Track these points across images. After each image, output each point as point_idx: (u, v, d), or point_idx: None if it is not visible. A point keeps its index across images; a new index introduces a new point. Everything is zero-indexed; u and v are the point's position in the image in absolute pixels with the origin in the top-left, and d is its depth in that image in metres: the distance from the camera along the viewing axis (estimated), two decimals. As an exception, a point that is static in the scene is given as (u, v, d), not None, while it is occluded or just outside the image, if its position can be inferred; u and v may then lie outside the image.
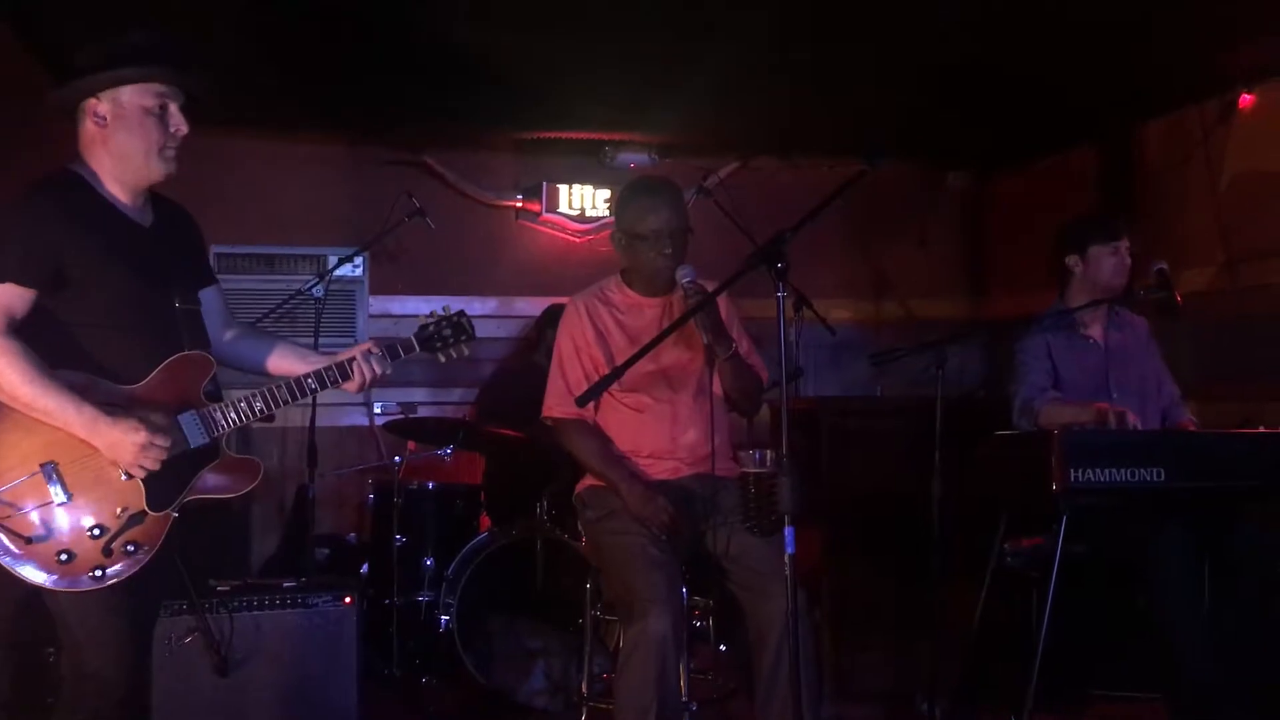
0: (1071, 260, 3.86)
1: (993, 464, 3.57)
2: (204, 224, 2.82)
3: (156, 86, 2.53)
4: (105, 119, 2.51)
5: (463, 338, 2.83)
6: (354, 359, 2.69)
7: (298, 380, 2.65)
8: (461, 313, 2.85)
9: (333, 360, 2.71)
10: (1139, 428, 3.46)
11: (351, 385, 2.71)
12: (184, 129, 2.56)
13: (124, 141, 2.51)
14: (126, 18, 3.79)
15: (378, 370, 2.70)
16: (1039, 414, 3.64)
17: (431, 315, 2.85)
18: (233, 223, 5.47)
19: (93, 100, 2.51)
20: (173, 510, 2.50)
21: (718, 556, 3.18)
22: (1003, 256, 6.44)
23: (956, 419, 3.66)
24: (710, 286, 3.12)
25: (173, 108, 2.55)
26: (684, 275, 3.15)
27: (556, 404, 3.34)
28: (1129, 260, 3.81)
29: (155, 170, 2.55)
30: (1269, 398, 4.43)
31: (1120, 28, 4.11)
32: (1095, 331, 3.88)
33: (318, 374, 2.67)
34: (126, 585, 2.43)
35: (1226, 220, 4.84)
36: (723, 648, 3.99)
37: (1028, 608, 3.61)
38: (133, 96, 2.51)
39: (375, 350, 2.71)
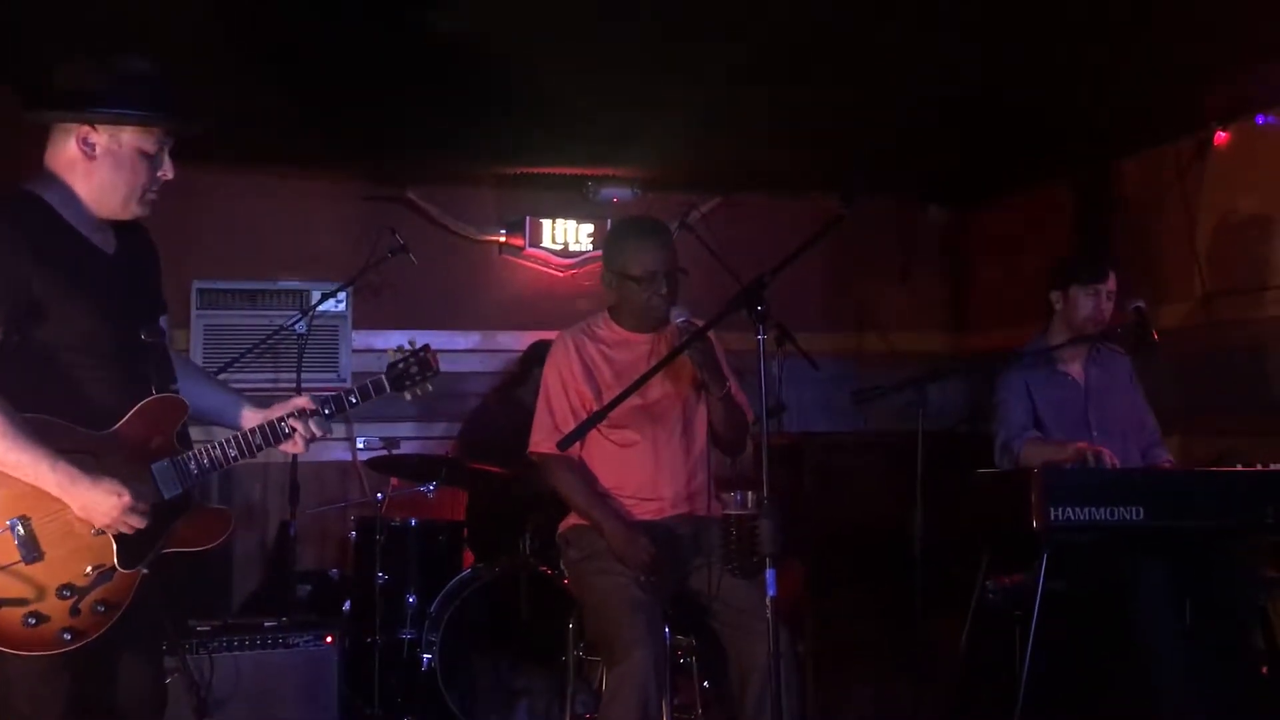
0: (1055, 296, 3.91)
1: (974, 501, 3.60)
2: (186, 260, 2.79)
3: (159, 131, 2.41)
4: (95, 150, 2.36)
5: (428, 374, 2.72)
6: (289, 417, 2.54)
7: (253, 431, 2.52)
8: (426, 347, 2.75)
9: (266, 420, 2.56)
10: (1116, 466, 3.49)
11: (293, 445, 2.56)
12: (170, 175, 2.45)
13: (108, 178, 2.37)
14: (102, 48, 3.86)
15: (317, 432, 2.57)
16: (1018, 454, 3.68)
17: (399, 350, 2.74)
18: (215, 258, 5.46)
19: (86, 128, 2.35)
20: (143, 567, 2.36)
21: (701, 595, 3.18)
22: (983, 290, 6.49)
23: (938, 453, 3.69)
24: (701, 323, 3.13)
25: (165, 152, 2.44)
26: (679, 317, 3.16)
27: (542, 439, 3.34)
28: (1108, 304, 3.85)
29: (131, 211, 2.43)
30: (1246, 432, 4.47)
31: (1096, 66, 4.17)
32: (1075, 369, 3.92)
33: (262, 428, 2.53)
34: (87, 646, 2.29)
35: (1203, 256, 4.89)
36: (706, 685, 3.98)
37: (1011, 643, 3.62)
38: (133, 138, 2.38)
39: (310, 408, 2.57)
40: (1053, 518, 3.23)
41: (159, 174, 2.44)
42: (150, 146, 2.40)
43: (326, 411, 2.61)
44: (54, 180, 2.38)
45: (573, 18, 3.71)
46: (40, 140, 2.44)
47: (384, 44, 3.92)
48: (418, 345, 2.76)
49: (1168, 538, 3.38)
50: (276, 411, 2.58)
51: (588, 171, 5.99)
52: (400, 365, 2.72)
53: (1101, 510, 3.25)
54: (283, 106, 4.65)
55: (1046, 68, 4.17)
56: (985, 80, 4.31)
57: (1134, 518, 3.26)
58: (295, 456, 4.54)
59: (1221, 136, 4.82)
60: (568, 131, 5.12)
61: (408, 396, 2.74)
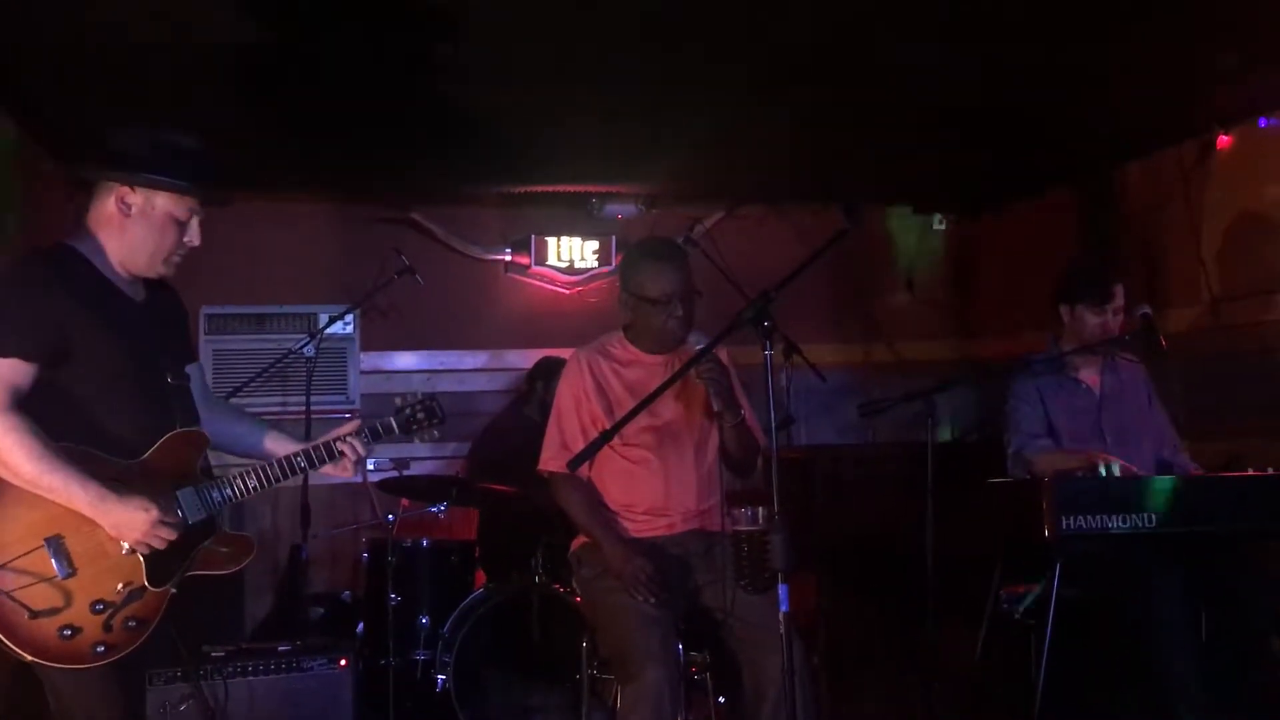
0: (1063, 310, 3.90)
1: (986, 511, 3.59)
2: (193, 285, 2.86)
3: (192, 201, 2.59)
4: (131, 210, 2.55)
5: (434, 420, 2.89)
6: (341, 439, 2.73)
7: (288, 459, 2.69)
8: (432, 396, 2.91)
9: (321, 440, 2.75)
10: (1131, 473, 3.48)
11: (342, 469, 2.75)
12: (198, 242, 2.63)
13: (139, 237, 2.56)
14: (116, 87, 3.90)
15: (361, 451, 2.75)
16: (1031, 462, 3.66)
17: (405, 397, 2.90)
18: (222, 283, 5.49)
19: (125, 188, 2.54)
20: (171, 585, 2.51)
21: (713, 611, 3.19)
22: (990, 299, 6.49)
23: (948, 463, 3.68)
24: (718, 352, 3.14)
25: (195, 221, 2.61)
26: (698, 343, 3.18)
27: (552, 457, 3.35)
28: (1117, 320, 3.81)
29: (156, 270, 2.61)
30: (1256, 435, 4.46)
31: (1098, 71, 4.18)
32: (1089, 376, 3.90)
33: (306, 453, 2.72)
34: (123, 658, 2.43)
35: (1209, 259, 4.88)
36: (720, 700, 3.97)
37: (1024, 652, 3.61)
38: (167, 203, 2.56)
39: (358, 431, 2.77)
40: (1065, 526, 3.22)
41: (186, 239, 2.61)
42: (182, 214, 2.58)
43: (339, 450, 2.76)
44: (90, 235, 2.57)
45: (575, 35, 3.73)
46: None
47: (387, 67, 3.94)
48: (422, 392, 2.94)
49: (1180, 544, 3.37)
50: (328, 436, 2.76)
51: (592, 189, 6.00)
52: (407, 412, 2.88)
53: (1113, 518, 3.24)
54: (286, 131, 4.68)
55: (1049, 73, 4.17)
56: (987, 88, 4.31)
57: (1146, 525, 3.25)
58: (306, 480, 4.61)
59: (1224, 140, 4.82)
60: (571, 149, 5.14)
61: (416, 441, 2.91)
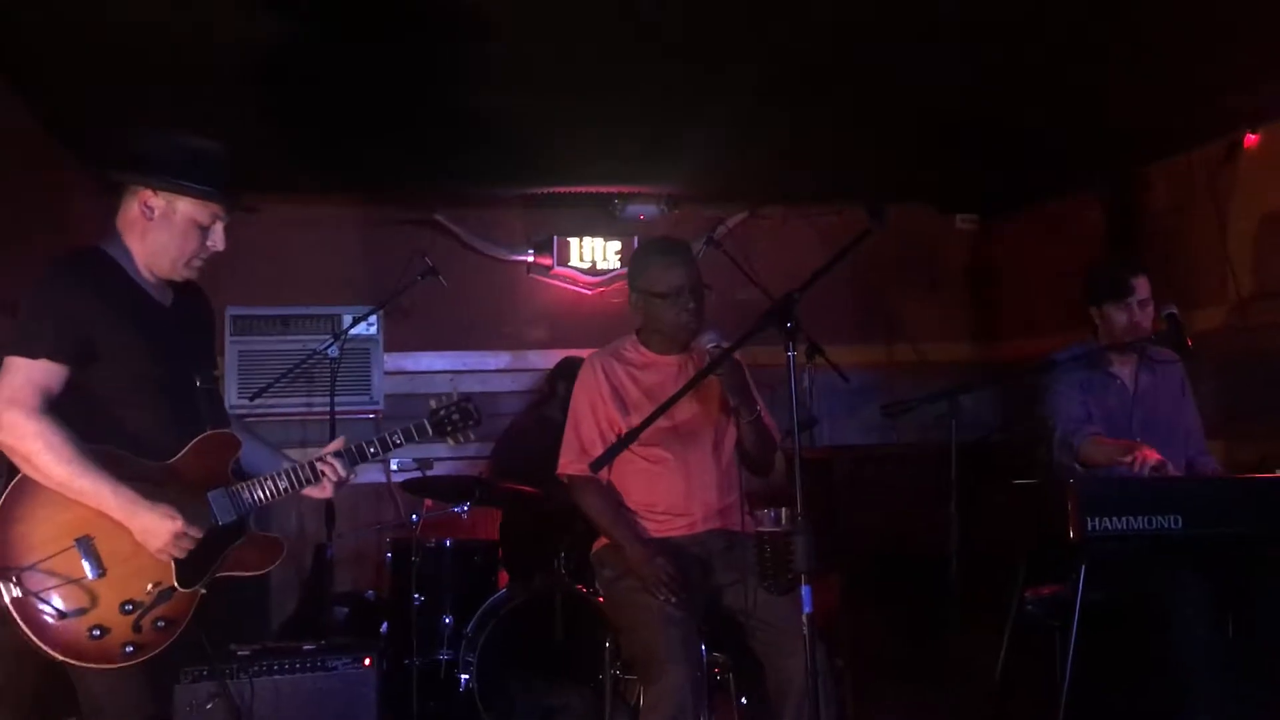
0: (1093, 312, 3.89)
1: (1010, 512, 3.57)
2: (218, 286, 2.89)
3: (215, 206, 2.61)
4: (153, 213, 2.57)
5: (470, 422, 2.90)
6: (322, 459, 2.72)
7: (310, 464, 2.71)
8: (468, 398, 2.91)
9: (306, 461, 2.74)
10: (1166, 471, 3.46)
11: (321, 490, 2.73)
12: (221, 247, 2.64)
13: (162, 240, 2.58)
14: (139, 88, 3.93)
15: (342, 473, 2.73)
16: (1078, 450, 3.64)
17: (440, 399, 2.90)
18: (247, 285, 5.53)
19: (149, 192, 2.57)
20: (200, 586, 2.53)
21: (735, 612, 3.19)
22: (1013, 300, 6.46)
23: (971, 464, 3.66)
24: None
25: (218, 226, 2.63)
26: (709, 341, 3.17)
27: (570, 461, 3.37)
28: (1145, 312, 3.80)
29: (179, 273, 2.64)
30: (1287, 436, 4.42)
31: (1121, 72, 4.15)
32: (1126, 373, 3.87)
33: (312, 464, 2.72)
34: (153, 658, 2.46)
35: (1235, 259, 4.84)
36: (743, 701, 3.97)
37: (1048, 656, 3.59)
38: (188, 208, 2.58)
39: (340, 452, 2.74)
40: (1090, 528, 3.19)
41: (208, 244, 2.63)
42: (204, 218, 2.60)
43: (371, 451, 2.77)
44: (118, 238, 2.61)
45: (597, 39, 3.73)
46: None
47: (411, 70, 3.96)
48: (457, 393, 2.94)
49: (1207, 547, 3.33)
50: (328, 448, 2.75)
51: (614, 189, 6.01)
52: (441, 413, 2.88)
53: (1139, 519, 3.20)
54: (311, 134, 4.71)
55: (1073, 73, 4.15)
56: (1010, 90, 4.30)
57: (1172, 526, 3.22)
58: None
59: (1251, 139, 4.79)
60: (594, 150, 5.15)
61: (450, 442, 2.90)
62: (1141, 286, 3.81)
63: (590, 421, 3.35)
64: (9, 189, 4.05)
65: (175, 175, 2.55)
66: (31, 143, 4.37)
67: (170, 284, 2.67)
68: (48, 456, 2.37)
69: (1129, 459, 3.46)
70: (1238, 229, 4.87)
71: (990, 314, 6.63)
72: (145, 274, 2.60)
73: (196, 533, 2.47)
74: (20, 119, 4.23)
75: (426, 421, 2.86)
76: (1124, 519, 3.21)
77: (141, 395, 2.52)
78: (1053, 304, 5.74)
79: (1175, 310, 3.77)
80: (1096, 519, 3.19)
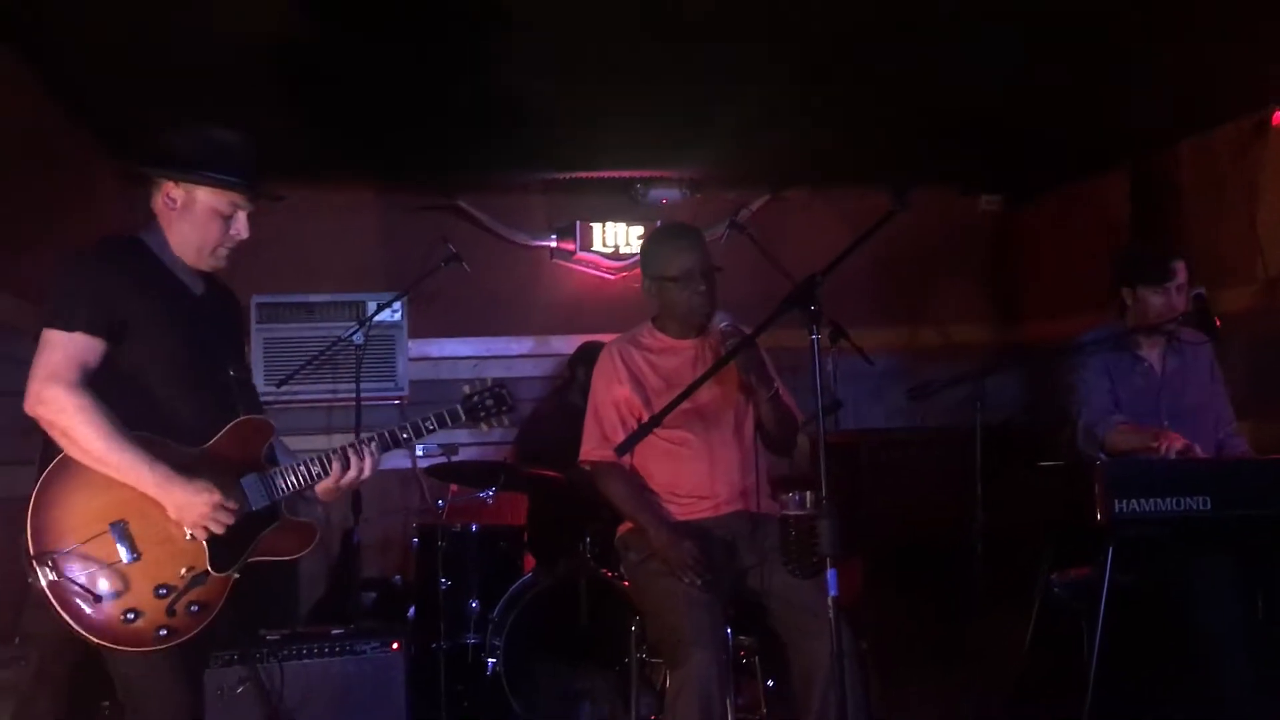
0: (1125, 292, 3.84)
1: (1036, 494, 3.55)
2: (243, 274, 2.91)
3: (235, 195, 2.63)
4: (176, 204, 2.61)
5: (504, 408, 2.91)
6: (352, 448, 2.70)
7: (342, 449, 2.70)
8: (501, 384, 2.93)
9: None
10: (1193, 455, 3.43)
11: (330, 485, 2.69)
12: (245, 234, 2.66)
13: (185, 230, 2.62)
14: (163, 79, 3.96)
15: (367, 469, 2.71)
16: (1104, 440, 3.62)
17: (473, 384, 2.91)
18: (272, 272, 5.55)
19: (170, 183, 2.61)
20: (234, 571, 2.54)
21: (760, 595, 3.20)
22: (1039, 281, 6.41)
23: (995, 446, 3.65)
24: (747, 329, 3.14)
25: (241, 215, 2.65)
26: (723, 321, 3.19)
27: (592, 448, 3.38)
28: (1181, 297, 3.75)
29: (205, 262, 2.67)
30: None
31: (1150, 48, 4.11)
32: (1154, 356, 3.84)
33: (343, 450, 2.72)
34: (186, 642, 2.48)
35: (1264, 238, 4.79)
36: (770, 683, 3.98)
37: (1074, 638, 3.58)
38: (207, 197, 2.61)
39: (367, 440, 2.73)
40: (1117, 510, 3.17)
41: (232, 233, 2.65)
42: (224, 207, 2.63)
43: (404, 436, 2.77)
44: (153, 227, 2.66)
45: (619, 25, 3.73)
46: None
47: (434, 57, 3.97)
48: (491, 380, 2.95)
49: (1235, 528, 3.31)
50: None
51: (636, 174, 6.01)
52: (475, 399, 2.90)
53: (1167, 501, 3.19)
54: (334, 121, 4.73)
55: (1100, 51, 4.11)
56: (1036, 67, 4.26)
57: (1201, 508, 3.20)
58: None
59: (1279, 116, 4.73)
60: (616, 135, 5.14)
61: (484, 428, 2.92)
62: (1181, 271, 3.76)
63: (611, 409, 3.37)
64: (40, 181, 4.09)
65: (194, 166, 2.59)
66: (63, 136, 4.41)
67: (201, 277, 2.70)
68: (87, 430, 2.39)
69: (1155, 444, 3.44)
70: (1267, 207, 4.82)
71: (1014, 296, 6.59)
72: (178, 263, 2.64)
73: (234, 505, 2.48)
74: (53, 112, 4.27)
75: (460, 407, 2.87)
76: (1152, 501, 3.19)
77: (175, 379, 2.54)
78: (1077, 285, 5.70)
79: (1203, 291, 3.74)
80: (1124, 501, 3.18)
